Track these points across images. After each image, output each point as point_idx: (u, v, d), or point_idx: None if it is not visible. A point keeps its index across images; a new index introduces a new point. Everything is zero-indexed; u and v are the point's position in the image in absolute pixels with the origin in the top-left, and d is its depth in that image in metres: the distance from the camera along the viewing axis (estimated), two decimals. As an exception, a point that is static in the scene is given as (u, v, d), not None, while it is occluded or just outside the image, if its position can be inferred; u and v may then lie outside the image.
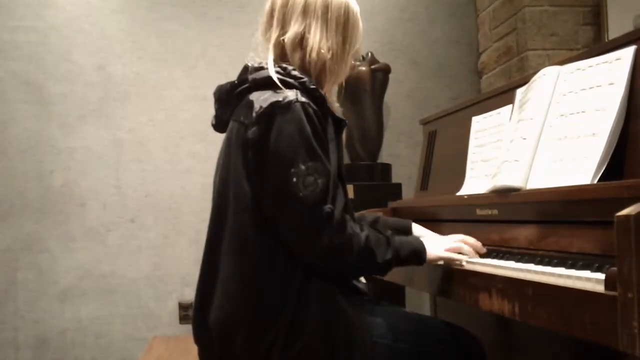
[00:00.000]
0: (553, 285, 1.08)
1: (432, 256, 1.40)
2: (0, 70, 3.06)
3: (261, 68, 1.38)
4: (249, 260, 1.29)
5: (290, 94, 1.29)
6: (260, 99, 1.31)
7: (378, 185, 3.00)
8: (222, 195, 1.36)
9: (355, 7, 1.45)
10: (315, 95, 1.32)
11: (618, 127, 1.26)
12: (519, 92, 1.66)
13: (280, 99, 1.28)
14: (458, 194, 1.83)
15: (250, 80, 1.37)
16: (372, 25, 3.22)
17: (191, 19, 3.22)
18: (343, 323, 1.29)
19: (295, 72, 1.34)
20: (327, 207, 1.26)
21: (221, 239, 1.34)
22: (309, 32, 1.38)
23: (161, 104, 3.18)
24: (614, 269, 0.93)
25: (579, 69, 1.42)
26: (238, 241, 1.31)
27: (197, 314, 1.38)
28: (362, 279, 1.56)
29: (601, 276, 1.00)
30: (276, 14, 1.41)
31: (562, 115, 1.42)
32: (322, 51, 1.37)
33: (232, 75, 1.47)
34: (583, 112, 1.35)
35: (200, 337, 1.39)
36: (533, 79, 1.57)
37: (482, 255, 1.47)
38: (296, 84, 1.32)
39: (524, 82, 1.66)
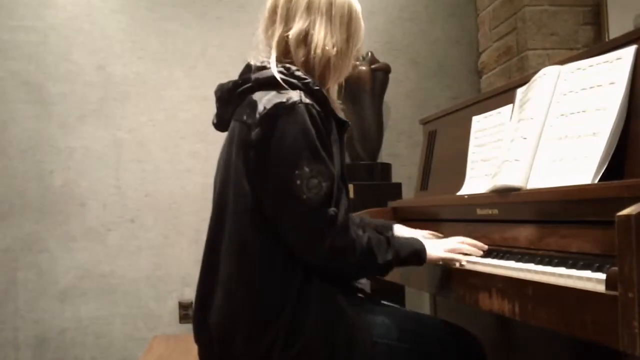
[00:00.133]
0: (553, 285, 1.08)
1: (432, 256, 1.40)
2: (0, 70, 3.06)
3: (264, 67, 1.37)
4: (248, 260, 1.29)
5: (294, 95, 1.28)
6: (264, 99, 1.30)
7: (378, 185, 3.00)
8: (223, 195, 1.36)
9: (358, 6, 1.46)
10: (318, 96, 1.32)
11: (619, 126, 1.26)
12: (519, 91, 1.66)
13: (284, 100, 1.27)
14: (458, 193, 1.83)
15: (253, 80, 1.37)
16: (372, 25, 3.21)
17: (191, 19, 3.22)
18: (343, 323, 1.29)
19: (299, 73, 1.33)
20: (331, 210, 1.26)
21: (221, 239, 1.34)
22: (313, 29, 1.38)
23: (161, 104, 3.18)
24: (615, 268, 0.93)
25: (579, 69, 1.42)
26: (238, 241, 1.30)
27: (198, 314, 1.38)
28: (363, 279, 1.57)
29: (602, 276, 1.00)
30: (279, 11, 1.40)
31: (562, 114, 1.42)
32: (327, 47, 1.37)
33: (232, 75, 1.46)
34: (584, 111, 1.35)
35: (200, 337, 1.39)
36: (533, 78, 1.57)
37: (482, 255, 1.46)
38: (299, 84, 1.31)
39: (524, 81, 1.66)
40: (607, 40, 2.70)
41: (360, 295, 1.47)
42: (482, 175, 1.77)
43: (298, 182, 1.24)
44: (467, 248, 1.46)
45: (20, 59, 3.08)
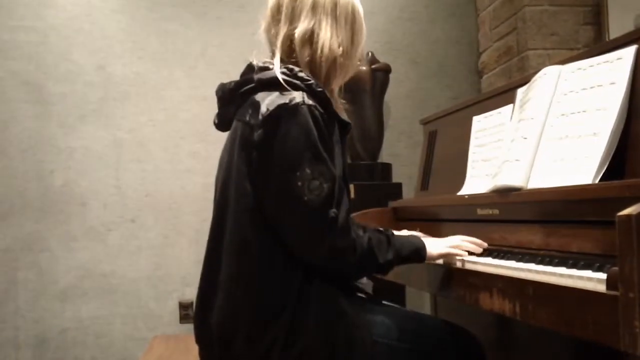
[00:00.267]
0: (554, 285, 1.08)
1: (432, 254, 1.41)
2: (0, 70, 3.06)
3: (266, 68, 1.37)
4: (248, 260, 1.29)
5: (297, 96, 1.28)
6: (267, 100, 1.30)
7: (378, 185, 3.00)
8: (224, 195, 1.36)
9: (360, 6, 1.46)
10: (321, 98, 1.32)
11: (619, 126, 1.26)
12: (520, 91, 1.66)
13: (287, 101, 1.27)
14: (459, 193, 1.83)
15: (255, 80, 1.37)
16: (372, 25, 3.20)
17: (191, 19, 3.22)
18: (343, 323, 1.29)
19: (302, 74, 1.33)
20: (332, 211, 1.26)
21: (222, 239, 1.34)
22: (319, 28, 1.37)
23: (161, 104, 3.18)
24: (616, 268, 0.93)
25: (580, 69, 1.42)
26: (238, 241, 1.30)
27: (199, 314, 1.38)
28: (364, 279, 1.57)
29: (602, 276, 1.00)
30: (284, 10, 1.40)
31: (563, 114, 1.42)
32: (333, 47, 1.37)
33: (233, 75, 1.46)
34: (584, 111, 1.35)
35: (201, 337, 1.39)
36: (534, 78, 1.57)
37: (482, 255, 1.46)
38: (302, 85, 1.31)
39: (524, 81, 1.66)
40: (607, 40, 2.70)
41: (360, 295, 1.47)
42: (482, 175, 1.77)
43: (299, 183, 1.24)
44: (467, 245, 1.46)
45: (21, 59, 3.08)
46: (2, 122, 3.05)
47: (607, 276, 0.97)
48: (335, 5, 1.40)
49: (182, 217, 3.17)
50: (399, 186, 3.00)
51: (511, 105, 1.71)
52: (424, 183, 2.25)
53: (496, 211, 1.55)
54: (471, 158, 1.87)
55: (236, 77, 1.44)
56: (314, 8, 1.38)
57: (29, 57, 3.09)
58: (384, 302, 1.49)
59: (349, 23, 1.42)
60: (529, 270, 1.19)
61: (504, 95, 1.81)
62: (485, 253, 1.47)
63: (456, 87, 3.42)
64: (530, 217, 1.43)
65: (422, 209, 2.05)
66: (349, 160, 3.10)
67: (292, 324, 1.25)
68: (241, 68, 1.45)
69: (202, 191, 3.13)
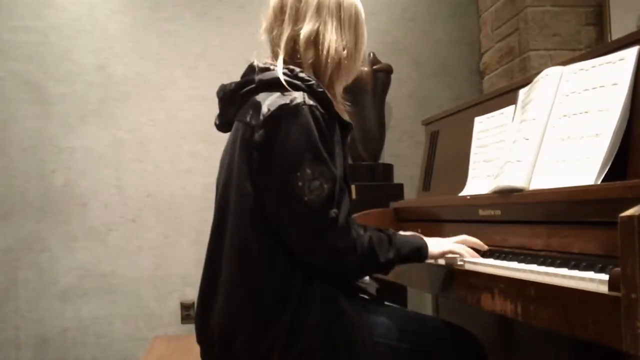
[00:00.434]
0: (556, 286, 1.08)
1: (433, 253, 1.40)
2: (0, 70, 3.06)
3: (267, 69, 1.37)
4: (249, 260, 1.28)
5: (298, 97, 1.28)
6: (268, 101, 1.30)
7: (380, 185, 3.00)
8: (225, 196, 1.36)
9: (362, 9, 1.46)
10: (322, 98, 1.32)
11: (621, 127, 1.26)
12: (522, 92, 1.65)
13: (288, 101, 1.27)
14: (460, 194, 1.83)
15: (256, 81, 1.36)
16: (373, 25, 3.21)
17: (191, 19, 3.22)
18: (344, 324, 1.29)
19: (303, 75, 1.33)
20: (332, 211, 1.26)
21: (223, 239, 1.34)
22: (324, 30, 1.37)
23: (162, 104, 3.18)
24: (618, 269, 0.93)
25: (582, 70, 1.42)
26: (239, 241, 1.30)
27: (200, 314, 1.38)
28: (367, 278, 1.57)
29: (604, 277, 1.00)
30: (288, 10, 1.39)
31: (565, 115, 1.41)
32: (338, 49, 1.37)
33: (233, 75, 1.46)
34: (586, 112, 1.35)
35: (202, 337, 1.39)
36: (536, 79, 1.57)
37: (484, 255, 1.46)
38: (303, 86, 1.31)
39: (526, 82, 1.66)
40: (609, 41, 2.70)
41: (361, 295, 1.46)
42: (484, 176, 1.76)
43: (300, 183, 1.24)
44: (468, 243, 1.46)
45: (21, 59, 3.08)
46: (3, 122, 3.05)
47: (609, 277, 0.97)
48: (339, 7, 1.40)
49: (183, 217, 3.17)
50: (400, 187, 3.00)
51: (513, 106, 1.70)
52: (426, 184, 2.25)
53: (498, 212, 1.55)
54: (473, 159, 1.87)
55: (237, 77, 1.44)
56: (318, 9, 1.38)
57: (30, 57, 3.09)
58: (385, 302, 1.49)
59: (353, 25, 1.42)
60: (531, 271, 1.19)
61: (505, 96, 1.81)
62: (487, 254, 1.47)
63: (458, 87, 3.42)
64: (532, 218, 1.43)
65: (424, 210, 2.05)
66: (350, 161, 3.10)
67: (292, 325, 1.25)
68: (242, 68, 1.45)
69: (203, 191, 3.13)
